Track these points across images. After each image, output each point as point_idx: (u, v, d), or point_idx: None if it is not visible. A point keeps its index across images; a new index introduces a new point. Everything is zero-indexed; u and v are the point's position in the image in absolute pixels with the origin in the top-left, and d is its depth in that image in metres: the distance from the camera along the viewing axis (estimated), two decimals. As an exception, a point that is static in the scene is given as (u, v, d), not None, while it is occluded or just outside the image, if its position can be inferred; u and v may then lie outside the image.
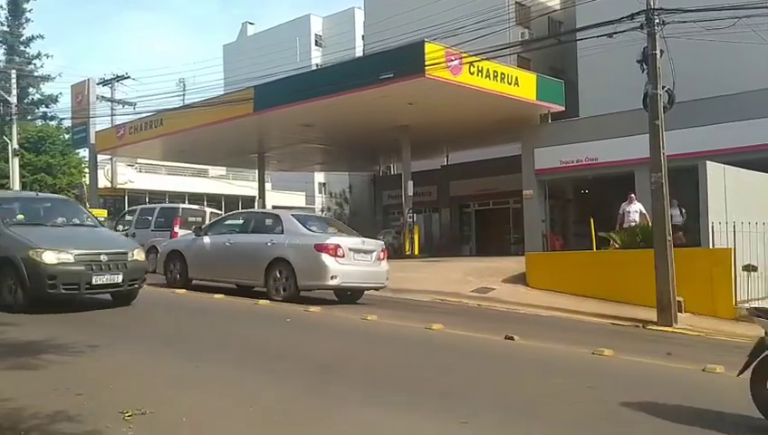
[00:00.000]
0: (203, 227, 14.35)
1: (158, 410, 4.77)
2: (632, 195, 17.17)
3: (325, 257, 11.33)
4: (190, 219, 17.97)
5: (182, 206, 20.29)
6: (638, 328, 11.80)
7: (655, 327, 11.82)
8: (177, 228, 17.38)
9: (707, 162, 13.99)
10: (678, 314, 12.37)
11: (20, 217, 9.99)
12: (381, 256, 12.45)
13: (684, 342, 10.71)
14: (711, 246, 13.49)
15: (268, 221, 12.83)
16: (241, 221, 13.74)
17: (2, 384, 5.32)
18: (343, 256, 11.50)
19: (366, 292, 12.97)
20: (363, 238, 12.61)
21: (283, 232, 12.03)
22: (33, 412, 4.61)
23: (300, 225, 12.14)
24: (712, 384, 6.80)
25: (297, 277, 11.45)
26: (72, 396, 5.03)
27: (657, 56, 12.42)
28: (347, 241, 11.90)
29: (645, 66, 12.55)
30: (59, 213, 10.64)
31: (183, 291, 12.60)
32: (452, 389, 5.98)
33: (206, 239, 13.07)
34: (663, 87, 12.58)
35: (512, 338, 8.82)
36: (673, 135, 14.37)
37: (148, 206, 22.96)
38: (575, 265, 15.77)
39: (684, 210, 16.63)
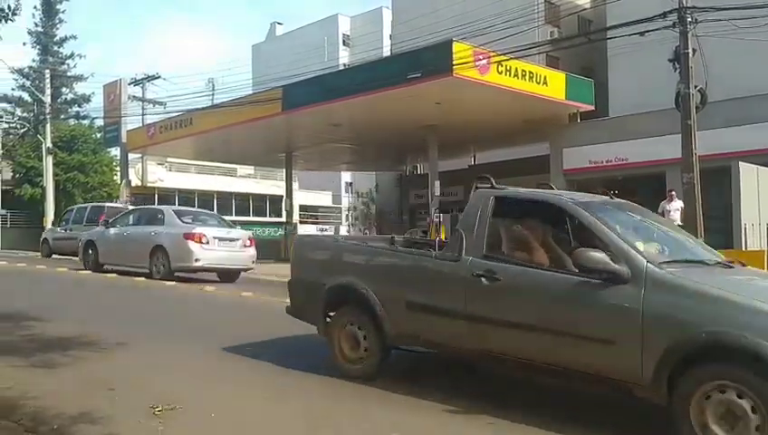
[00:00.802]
0: (109, 220, 16.74)
1: (188, 405, 4.83)
2: (672, 192, 16.69)
3: (191, 244, 13.70)
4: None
5: (107, 204, 24.73)
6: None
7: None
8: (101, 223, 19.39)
9: (740, 163, 13.78)
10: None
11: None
12: (247, 244, 14.78)
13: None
14: (743, 248, 13.26)
15: (154, 215, 15.44)
16: (137, 215, 16.33)
17: (35, 379, 5.43)
18: (208, 243, 13.89)
19: None
20: (230, 229, 15.16)
21: (163, 224, 14.52)
22: (65, 407, 4.69)
23: (177, 218, 14.67)
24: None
25: (170, 260, 13.81)
26: (104, 391, 5.11)
27: (690, 55, 12.27)
28: (212, 231, 14.29)
29: (677, 65, 12.39)
30: None
31: (87, 272, 15.32)
32: (480, 390, 5.95)
33: (111, 231, 15.70)
34: (695, 86, 12.40)
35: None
36: (705, 135, 14.16)
37: (82, 205, 25.94)
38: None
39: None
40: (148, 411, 4.61)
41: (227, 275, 14.75)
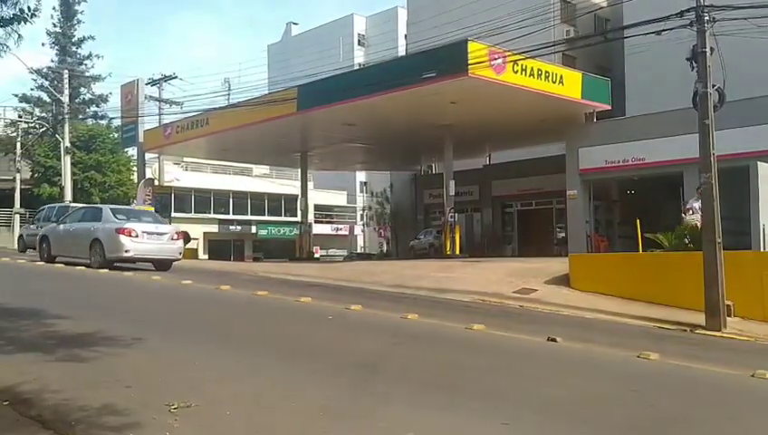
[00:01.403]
0: (60, 217, 18.98)
1: (202, 403, 4.87)
2: (700, 190, 16.45)
3: (122, 237, 15.69)
4: None
5: (71, 204, 26.41)
6: (685, 332, 11.53)
7: (703, 331, 11.54)
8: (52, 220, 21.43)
9: (759, 163, 13.62)
10: (728, 318, 12.03)
11: None
12: (175, 238, 16.88)
13: (733, 346, 10.45)
14: (762, 249, 13.12)
15: (94, 213, 17.56)
16: (82, 213, 18.27)
17: (54, 376, 5.49)
18: (137, 237, 15.87)
19: (411, 291, 13.59)
20: (158, 224, 17.12)
21: (101, 220, 16.48)
22: (83, 403, 4.74)
23: (112, 215, 16.68)
24: (762, 391, 6.62)
25: (105, 251, 15.83)
26: (120, 388, 5.16)
27: (707, 54, 12.11)
28: (142, 226, 16.27)
29: (694, 64, 12.24)
30: None
31: (42, 263, 17.35)
32: (493, 390, 5.95)
33: (61, 227, 17.80)
34: (713, 85, 12.25)
35: (554, 340, 8.71)
36: (723, 135, 14.01)
37: (51, 205, 27.26)
38: (620, 266, 15.49)
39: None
40: (164, 409, 4.65)
41: (161, 265, 16.67)
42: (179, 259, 17.39)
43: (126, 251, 15.76)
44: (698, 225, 13.86)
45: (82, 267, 15.82)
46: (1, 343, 6.66)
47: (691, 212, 16.07)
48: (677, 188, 20.38)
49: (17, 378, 5.30)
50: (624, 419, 5.23)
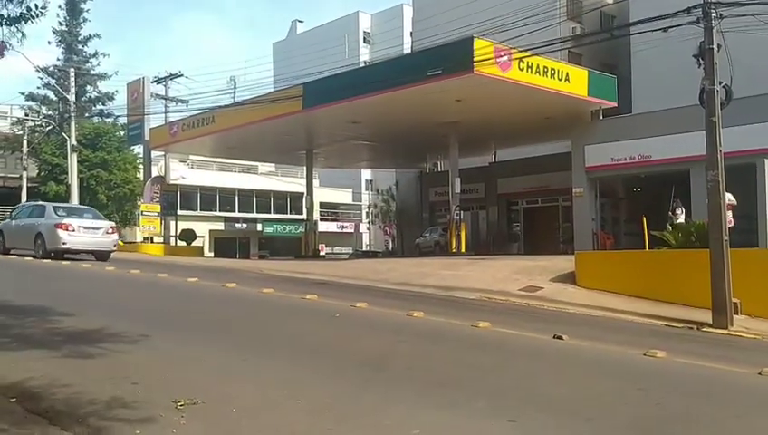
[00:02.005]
0: (12, 213, 21.40)
1: (208, 401, 4.88)
2: None
3: (60, 232, 17.61)
4: None
5: (40, 203, 27.47)
6: (691, 330, 11.50)
7: (710, 329, 11.50)
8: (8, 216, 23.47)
9: (766, 160, 13.53)
10: (735, 316, 11.98)
11: None
12: (110, 232, 19.02)
13: (740, 344, 10.41)
14: (770, 247, 13.05)
15: (40, 210, 19.32)
16: (30, 210, 20.17)
17: (60, 372, 5.51)
18: (74, 231, 17.81)
19: (416, 289, 13.69)
20: (95, 220, 19.06)
21: (44, 216, 18.43)
22: (90, 399, 4.76)
23: (53, 212, 18.61)
24: (769, 389, 6.59)
25: (46, 244, 17.89)
26: (127, 384, 5.18)
27: (714, 51, 12.05)
28: (78, 221, 18.23)
29: (701, 61, 12.18)
30: None
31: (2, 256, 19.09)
32: (499, 388, 5.95)
33: (13, 222, 20.03)
34: (720, 82, 12.19)
35: (560, 338, 8.69)
36: (730, 132, 13.91)
37: (27, 203, 28.11)
38: (627, 264, 15.44)
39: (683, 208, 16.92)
40: (170, 406, 4.67)
41: (100, 256, 18.75)
42: (114, 250, 19.47)
43: (63, 244, 17.70)
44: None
45: (29, 258, 17.92)
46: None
47: (671, 214, 16.41)
48: (685, 186, 20.30)
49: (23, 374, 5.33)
50: (630, 417, 5.22)
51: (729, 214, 14.56)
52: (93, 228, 18.49)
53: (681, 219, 17.21)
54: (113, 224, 20.53)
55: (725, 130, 12.57)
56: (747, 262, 12.70)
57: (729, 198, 14.86)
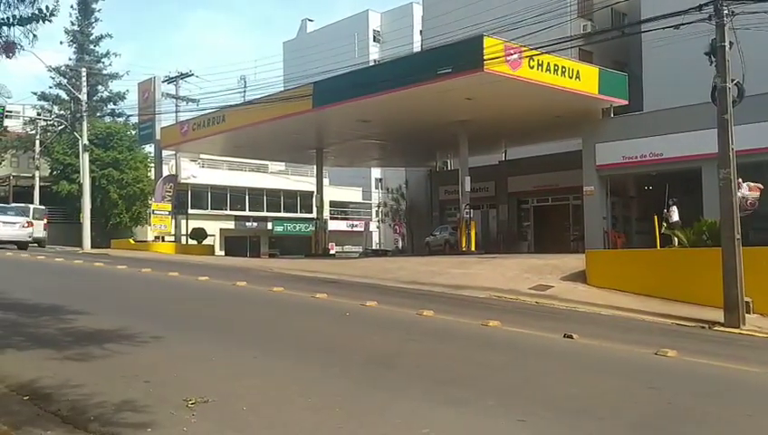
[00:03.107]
0: None
1: (219, 399, 4.90)
2: (739, 180, 16.20)
3: None
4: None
5: (14, 205, 30.43)
6: (703, 329, 11.43)
7: (721, 328, 11.43)
8: None
9: (779, 158, 13.42)
10: (747, 315, 11.90)
11: None
12: (25, 226, 23.81)
13: (751, 343, 10.34)
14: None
15: None
16: None
17: (73, 371, 5.55)
18: None
19: (426, 288, 13.57)
20: (14, 217, 23.85)
21: None
22: (102, 398, 4.80)
23: None
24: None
25: None
26: (139, 383, 5.22)
27: (726, 48, 11.96)
28: (2, 217, 23.07)
29: (713, 59, 12.09)
30: None
31: None
32: (509, 386, 5.94)
33: None
34: (732, 80, 12.10)
35: (571, 337, 8.67)
36: (742, 129, 13.84)
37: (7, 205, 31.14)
38: (638, 263, 15.36)
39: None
40: (182, 404, 4.69)
41: (21, 246, 23.40)
42: (29, 241, 24.40)
43: None
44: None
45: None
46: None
47: (667, 213, 16.45)
48: (697, 184, 20.17)
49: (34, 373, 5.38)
50: (641, 416, 5.20)
51: (756, 195, 14.39)
52: (11, 223, 23.42)
53: (675, 218, 17.27)
54: (29, 219, 24.94)
55: (738, 127, 12.48)
56: (759, 260, 12.60)
57: (754, 185, 14.67)
